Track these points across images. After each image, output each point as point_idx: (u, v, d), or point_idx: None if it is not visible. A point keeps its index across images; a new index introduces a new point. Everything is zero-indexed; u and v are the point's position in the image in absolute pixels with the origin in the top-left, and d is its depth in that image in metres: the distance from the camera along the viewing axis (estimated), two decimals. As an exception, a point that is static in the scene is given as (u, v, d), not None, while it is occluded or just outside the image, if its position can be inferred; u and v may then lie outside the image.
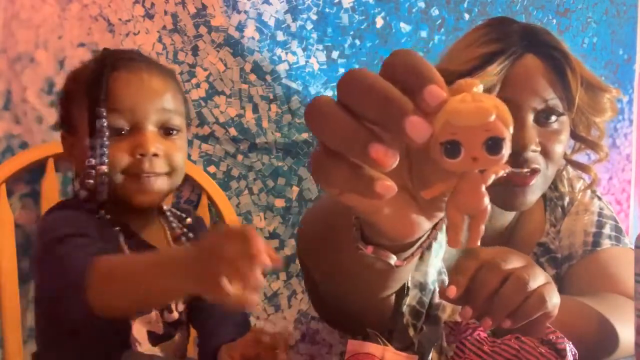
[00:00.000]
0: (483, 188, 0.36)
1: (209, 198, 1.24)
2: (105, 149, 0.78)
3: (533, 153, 0.90)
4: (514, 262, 0.69)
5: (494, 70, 0.89)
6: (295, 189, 1.35)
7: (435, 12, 1.48)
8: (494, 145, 0.34)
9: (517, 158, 0.89)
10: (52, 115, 1.14)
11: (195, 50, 1.25)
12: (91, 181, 0.78)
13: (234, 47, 1.28)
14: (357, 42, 1.40)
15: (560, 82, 0.91)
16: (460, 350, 0.66)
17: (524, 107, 0.89)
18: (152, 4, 1.21)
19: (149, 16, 1.21)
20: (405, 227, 0.45)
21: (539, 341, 0.64)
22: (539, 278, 0.68)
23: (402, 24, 1.44)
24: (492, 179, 0.37)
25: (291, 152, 1.34)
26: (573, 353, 0.63)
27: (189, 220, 0.94)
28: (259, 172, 1.32)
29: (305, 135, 1.35)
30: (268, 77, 1.32)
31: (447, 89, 0.34)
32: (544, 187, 0.97)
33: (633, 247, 1.02)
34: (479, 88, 0.36)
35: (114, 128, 0.80)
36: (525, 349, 0.62)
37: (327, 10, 1.37)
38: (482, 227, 0.39)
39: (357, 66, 1.39)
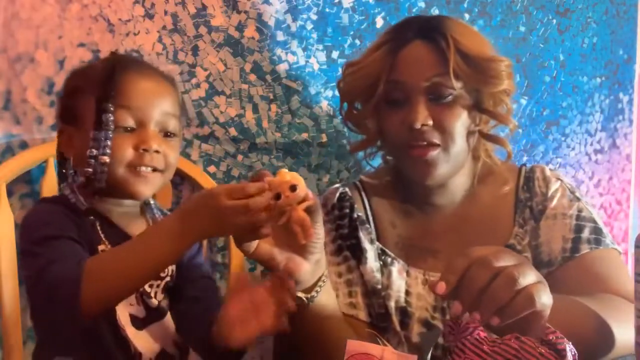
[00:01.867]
0: (300, 210, 0.78)
1: (209, 198, 1.23)
2: (109, 142, 0.84)
3: (425, 127, 0.98)
4: (506, 261, 0.70)
5: (380, 56, 1.02)
6: (295, 189, 1.35)
7: (435, 12, 1.48)
8: (293, 188, 0.75)
9: (411, 132, 0.99)
10: (52, 115, 1.14)
11: (195, 50, 1.25)
12: (90, 170, 0.85)
13: (234, 47, 1.28)
14: (357, 42, 1.40)
15: (444, 62, 0.99)
16: (460, 350, 0.66)
17: (411, 87, 1.00)
18: (152, 4, 1.21)
19: (149, 16, 1.21)
20: (294, 266, 0.83)
21: (539, 341, 0.64)
22: (529, 276, 0.69)
23: (402, 24, 1.44)
24: (304, 205, 0.78)
25: (291, 152, 1.34)
26: (573, 353, 0.63)
27: None
28: (259, 172, 1.32)
29: (305, 135, 1.35)
30: (268, 77, 1.32)
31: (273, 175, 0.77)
32: (452, 163, 1.02)
33: (615, 247, 1.03)
34: (285, 170, 0.78)
35: (121, 124, 0.86)
36: (525, 349, 0.62)
37: (327, 10, 1.37)
38: (310, 229, 0.79)
39: (357, 66, 1.39)
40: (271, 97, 1.32)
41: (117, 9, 1.18)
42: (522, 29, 1.62)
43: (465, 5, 1.53)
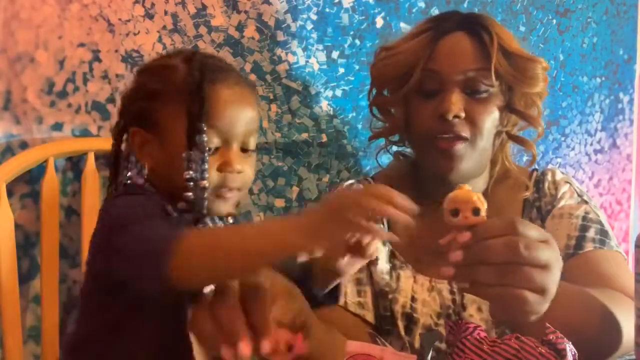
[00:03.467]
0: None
1: (209, 198, 1.24)
2: (205, 165, 0.80)
3: (457, 119, 0.97)
4: (546, 248, 0.67)
5: (420, 42, 1.00)
6: (295, 189, 1.35)
7: (435, 12, 1.48)
8: (476, 211, 0.66)
9: (442, 122, 0.97)
10: (52, 115, 1.14)
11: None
12: (190, 194, 0.80)
13: (234, 47, 1.28)
14: (357, 42, 1.40)
15: (485, 56, 0.99)
16: (460, 350, 0.66)
17: (447, 78, 0.98)
18: (152, 4, 1.21)
19: (149, 16, 1.21)
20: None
21: (539, 341, 0.64)
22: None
23: (402, 24, 1.45)
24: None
25: (291, 152, 1.34)
26: (573, 353, 0.63)
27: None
28: (259, 172, 1.32)
29: (305, 135, 1.35)
30: (268, 77, 1.32)
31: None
32: (477, 159, 1.01)
33: (619, 250, 1.02)
34: (469, 187, 0.68)
35: (208, 145, 0.81)
36: (525, 349, 0.62)
37: (327, 10, 1.37)
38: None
39: (357, 66, 1.40)
40: (271, 97, 1.32)
41: (117, 9, 1.18)
42: (522, 29, 1.62)
43: (465, 5, 1.53)
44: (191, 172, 0.80)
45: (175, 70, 0.84)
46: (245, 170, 0.84)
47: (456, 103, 0.96)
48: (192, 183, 0.80)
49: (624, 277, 0.97)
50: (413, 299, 1.02)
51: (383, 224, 1.08)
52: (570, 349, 0.62)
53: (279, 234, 0.64)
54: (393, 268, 1.04)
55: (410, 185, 1.09)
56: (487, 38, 0.99)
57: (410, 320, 1.01)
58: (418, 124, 1.02)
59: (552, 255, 0.67)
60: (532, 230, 0.66)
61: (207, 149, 0.80)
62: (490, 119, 1.00)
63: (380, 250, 1.04)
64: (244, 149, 0.86)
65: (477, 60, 0.99)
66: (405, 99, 1.03)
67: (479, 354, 0.64)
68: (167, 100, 0.83)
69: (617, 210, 1.85)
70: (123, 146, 0.88)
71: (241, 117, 0.84)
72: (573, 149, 1.74)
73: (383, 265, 1.04)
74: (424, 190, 1.07)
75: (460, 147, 0.98)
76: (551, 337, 0.63)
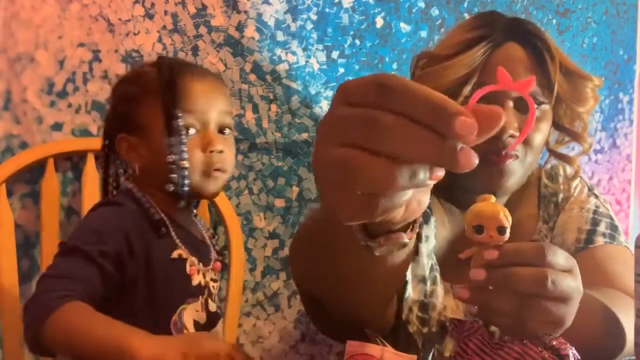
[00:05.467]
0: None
1: (209, 198, 1.24)
2: (184, 147, 0.88)
3: (511, 138, 0.91)
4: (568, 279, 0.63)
5: (475, 55, 0.93)
6: (295, 189, 1.34)
7: (435, 12, 1.48)
8: (501, 230, 0.60)
9: (496, 141, 0.90)
10: (52, 115, 1.14)
11: (195, 50, 1.25)
12: (175, 176, 0.88)
13: (234, 47, 1.28)
14: (357, 42, 1.40)
15: (541, 70, 0.94)
16: (462, 351, 0.66)
17: (503, 93, 0.91)
18: (152, 4, 1.21)
19: (149, 16, 1.21)
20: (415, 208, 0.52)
21: (542, 346, 0.63)
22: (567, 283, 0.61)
23: (402, 24, 1.44)
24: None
25: (291, 152, 1.34)
26: (576, 358, 0.63)
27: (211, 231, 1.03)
28: (259, 172, 1.31)
29: (305, 135, 1.35)
30: (268, 77, 1.31)
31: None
32: (523, 175, 0.98)
33: (627, 246, 1.02)
34: (494, 199, 0.61)
35: (186, 128, 0.89)
36: (528, 353, 0.62)
37: (327, 10, 1.37)
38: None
39: (357, 66, 1.39)
40: (271, 97, 1.32)
41: (117, 9, 1.18)
42: (522, 29, 1.62)
43: (465, 5, 1.53)
44: (172, 156, 0.88)
45: (148, 74, 0.92)
46: (225, 150, 0.91)
47: (512, 122, 0.90)
48: (174, 166, 0.88)
49: (629, 276, 0.96)
50: (444, 307, 0.98)
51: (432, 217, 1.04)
52: (573, 354, 0.62)
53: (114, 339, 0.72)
54: (430, 269, 1.00)
55: (441, 184, 1.04)
56: (545, 52, 0.94)
57: (444, 329, 0.98)
58: None
59: (574, 287, 0.63)
60: (560, 258, 0.62)
61: (185, 132, 0.88)
62: (542, 136, 0.96)
63: (430, 240, 1.00)
64: (222, 131, 0.93)
65: (534, 75, 0.93)
66: None
67: (482, 356, 0.64)
68: (145, 100, 0.91)
69: (617, 210, 1.85)
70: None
71: (214, 102, 0.92)
72: (573, 149, 1.73)
73: (425, 257, 0.99)
74: (454, 196, 1.04)
75: (511, 162, 0.93)
76: (554, 343, 0.63)
